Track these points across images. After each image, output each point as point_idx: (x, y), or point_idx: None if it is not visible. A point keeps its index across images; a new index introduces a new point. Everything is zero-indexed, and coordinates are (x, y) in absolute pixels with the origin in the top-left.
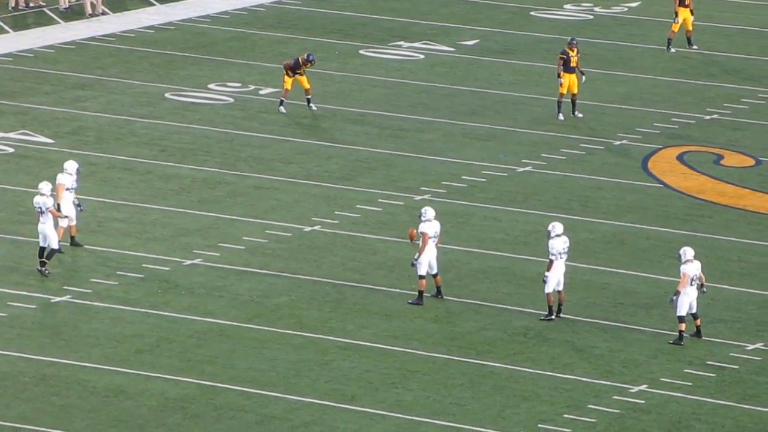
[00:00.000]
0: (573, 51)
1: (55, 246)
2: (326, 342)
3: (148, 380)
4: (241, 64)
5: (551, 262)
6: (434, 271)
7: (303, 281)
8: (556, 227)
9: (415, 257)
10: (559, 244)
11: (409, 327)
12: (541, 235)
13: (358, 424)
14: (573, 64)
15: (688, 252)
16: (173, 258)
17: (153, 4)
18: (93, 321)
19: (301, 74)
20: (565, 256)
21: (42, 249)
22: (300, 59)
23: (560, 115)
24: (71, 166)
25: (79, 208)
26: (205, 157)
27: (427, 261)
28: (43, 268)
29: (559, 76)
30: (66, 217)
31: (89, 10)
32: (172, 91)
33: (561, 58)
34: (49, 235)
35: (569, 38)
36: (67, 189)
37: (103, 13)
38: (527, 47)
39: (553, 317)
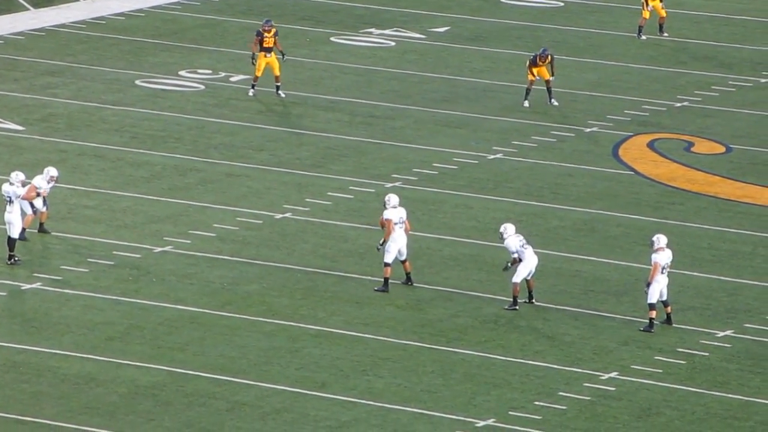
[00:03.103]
0: (543, 62)
1: (15, 235)
2: (297, 329)
3: (119, 367)
4: (211, 50)
5: (514, 260)
6: (403, 257)
7: (274, 269)
8: (508, 228)
9: (380, 242)
10: (515, 242)
11: (380, 314)
12: (511, 222)
13: (329, 410)
14: (540, 63)
15: (661, 240)
16: (144, 245)
17: None
18: (63, 308)
19: (271, 51)
20: (528, 247)
21: (11, 239)
22: (260, 29)
23: (526, 102)
24: (52, 172)
25: (44, 206)
26: (175, 144)
27: (397, 248)
28: (11, 261)
29: (529, 75)
30: (32, 214)
31: None
32: (142, 78)
33: (529, 60)
34: (14, 223)
35: (542, 49)
36: (38, 192)
37: None
38: (498, 34)
39: (517, 307)
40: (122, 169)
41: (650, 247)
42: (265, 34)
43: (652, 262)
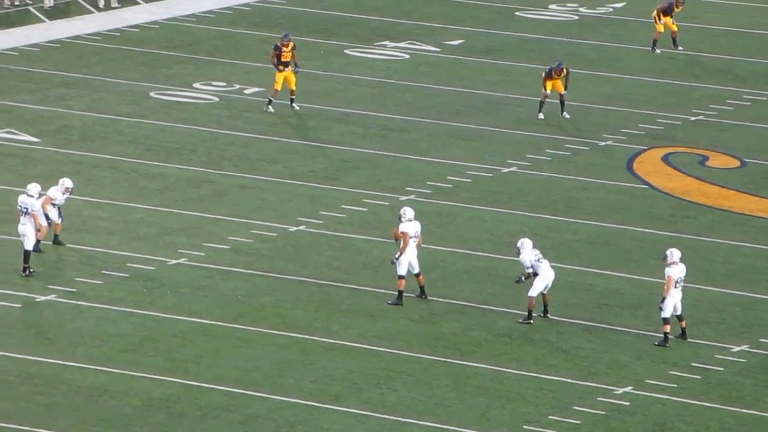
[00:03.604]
0: (558, 75)
1: (29, 247)
2: (311, 342)
3: (133, 379)
4: (226, 63)
5: (528, 274)
6: (416, 271)
7: (288, 281)
8: (525, 243)
9: (396, 256)
10: (530, 256)
11: (394, 327)
12: (526, 236)
13: (342, 424)
14: (555, 76)
15: (674, 254)
16: (158, 257)
17: (138, 3)
18: (77, 320)
19: (293, 70)
20: (544, 262)
21: (26, 251)
22: (278, 43)
23: (540, 114)
24: (67, 183)
25: (59, 218)
26: (189, 156)
27: (408, 261)
28: (25, 273)
29: (544, 88)
30: (46, 226)
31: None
32: (157, 89)
33: (545, 72)
34: (29, 235)
35: (557, 62)
36: (53, 203)
37: (114, 7)
38: (512, 47)
39: (531, 321)
40: (136, 181)
41: (663, 261)
42: (284, 49)
43: (666, 276)
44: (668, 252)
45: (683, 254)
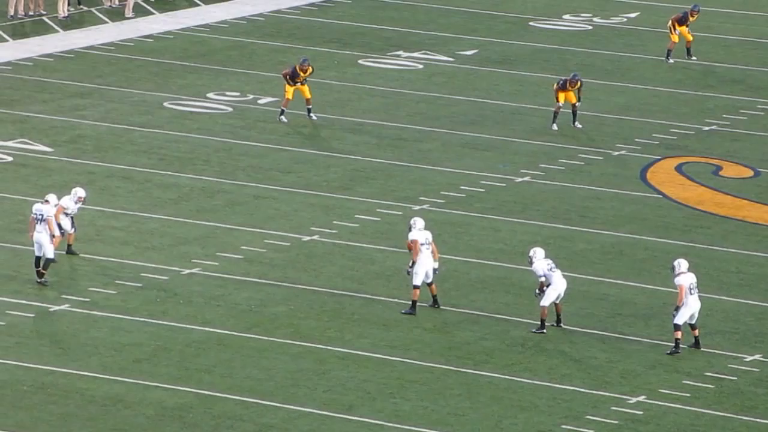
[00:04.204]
0: (573, 86)
1: (51, 255)
2: (324, 351)
3: (146, 389)
4: (239, 73)
5: (542, 284)
6: (429, 280)
7: (301, 291)
8: (537, 253)
9: (410, 265)
10: (542, 265)
11: (407, 337)
12: (539, 245)
13: None
14: (570, 88)
15: (682, 264)
16: (172, 267)
17: (152, 13)
18: (91, 330)
19: (302, 83)
20: (557, 271)
21: (38, 258)
22: (296, 66)
23: (554, 125)
24: (80, 193)
25: (72, 227)
26: (203, 166)
27: (424, 271)
28: (41, 279)
29: (557, 99)
30: (59, 235)
31: (128, 12)
32: (170, 99)
33: (557, 83)
34: (45, 244)
35: (573, 74)
36: (65, 213)
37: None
38: (526, 57)
39: (544, 330)
40: (150, 191)
41: (672, 272)
42: (301, 74)
43: (677, 286)
44: (675, 263)
45: (697, 264)
